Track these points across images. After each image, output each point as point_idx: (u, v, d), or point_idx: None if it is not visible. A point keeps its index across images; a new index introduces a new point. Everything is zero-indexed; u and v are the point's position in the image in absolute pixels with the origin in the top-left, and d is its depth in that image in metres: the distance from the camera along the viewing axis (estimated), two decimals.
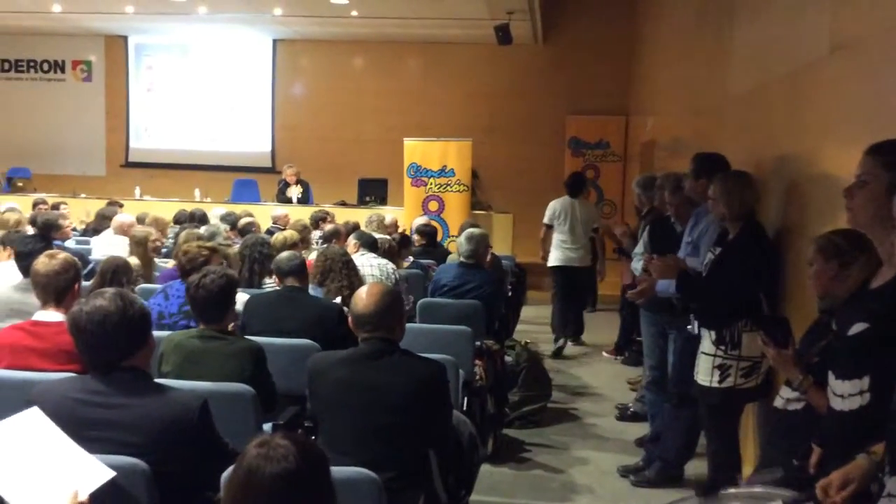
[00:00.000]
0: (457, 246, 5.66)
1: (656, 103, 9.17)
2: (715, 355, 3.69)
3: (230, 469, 1.78)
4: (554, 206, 7.99)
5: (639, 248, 5.29)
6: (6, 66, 13.61)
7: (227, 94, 13.22)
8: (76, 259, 3.42)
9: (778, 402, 2.81)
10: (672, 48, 8.04)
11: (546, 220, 7.99)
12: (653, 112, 9.38)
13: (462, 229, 5.99)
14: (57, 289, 3.27)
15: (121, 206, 7.91)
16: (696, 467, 4.66)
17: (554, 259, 7.96)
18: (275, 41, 12.96)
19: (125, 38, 13.27)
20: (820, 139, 3.50)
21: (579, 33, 11.89)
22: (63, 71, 13.51)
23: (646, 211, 5.80)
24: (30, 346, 3.18)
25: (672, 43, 8.06)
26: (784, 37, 4.10)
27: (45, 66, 13.53)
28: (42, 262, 3.31)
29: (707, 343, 3.76)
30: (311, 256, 5.57)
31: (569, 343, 7.99)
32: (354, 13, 10.76)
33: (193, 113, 13.31)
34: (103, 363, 2.46)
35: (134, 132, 13.49)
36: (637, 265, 5.21)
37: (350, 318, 2.84)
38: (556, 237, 7.92)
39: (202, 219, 7.84)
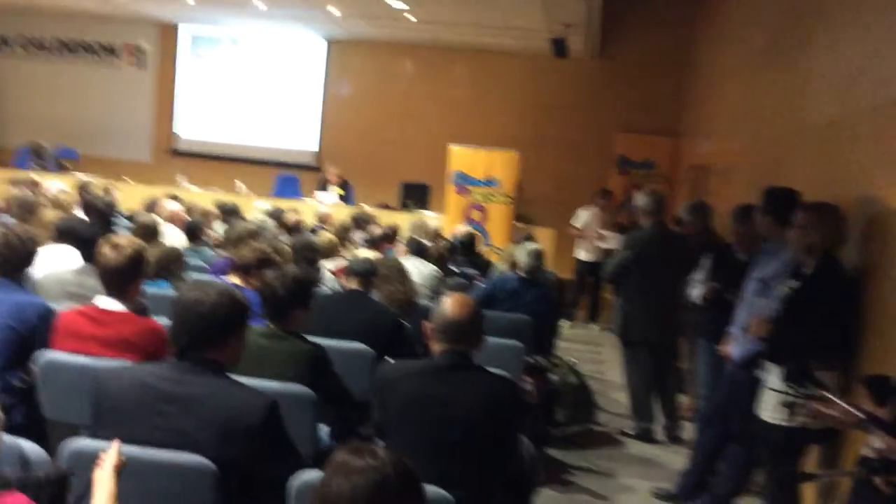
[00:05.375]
0: (510, 258, 5.57)
1: (712, 127, 9.00)
2: (783, 392, 3.56)
3: (316, 479, 1.71)
4: None
5: (698, 276, 5.17)
6: (60, 46, 13.74)
7: (276, 90, 13.24)
8: (143, 248, 3.36)
9: (867, 451, 2.68)
10: (734, 71, 7.89)
11: None
12: (707, 135, 9.21)
13: (519, 241, 5.92)
14: (122, 281, 3.24)
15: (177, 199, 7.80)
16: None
17: None
18: (328, 41, 12.97)
19: (180, 28, 13.35)
20: None
21: (636, 50, 11.74)
22: (116, 55, 13.62)
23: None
24: (92, 333, 3.15)
25: (734, 66, 7.91)
26: (871, 68, 3.97)
27: (99, 50, 13.65)
28: (108, 254, 3.22)
29: (775, 379, 3.63)
30: (358, 254, 5.60)
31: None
32: (412, 18, 10.72)
33: (242, 107, 13.35)
34: (189, 349, 2.45)
35: (182, 121, 13.56)
36: (696, 292, 5.09)
37: (429, 326, 2.75)
38: None
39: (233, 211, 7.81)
